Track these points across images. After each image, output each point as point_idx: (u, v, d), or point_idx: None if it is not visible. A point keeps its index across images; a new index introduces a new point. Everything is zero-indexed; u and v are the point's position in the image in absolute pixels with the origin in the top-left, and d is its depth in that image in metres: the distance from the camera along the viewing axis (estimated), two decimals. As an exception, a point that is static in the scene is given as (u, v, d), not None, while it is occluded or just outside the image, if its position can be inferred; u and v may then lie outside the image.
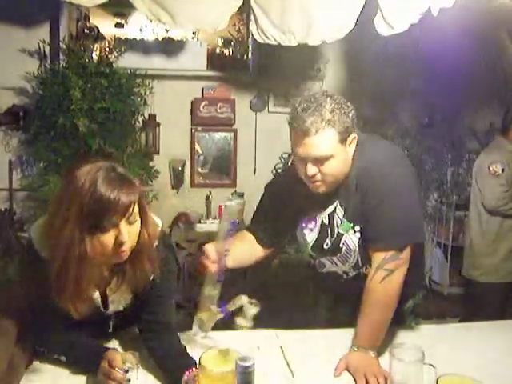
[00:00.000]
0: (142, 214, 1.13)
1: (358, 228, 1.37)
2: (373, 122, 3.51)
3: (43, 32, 3.07)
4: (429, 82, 3.36)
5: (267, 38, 2.16)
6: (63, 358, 1.24)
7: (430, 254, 3.73)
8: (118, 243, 1.07)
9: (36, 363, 1.25)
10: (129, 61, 3.08)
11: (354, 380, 1.20)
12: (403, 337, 1.41)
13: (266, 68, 3.29)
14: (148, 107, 3.02)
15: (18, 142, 3.13)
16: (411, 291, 1.49)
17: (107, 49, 3.04)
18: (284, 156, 3.45)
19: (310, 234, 1.46)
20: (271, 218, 1.52)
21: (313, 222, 1.45)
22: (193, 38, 3.28)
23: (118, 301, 1.27)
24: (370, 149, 1.34)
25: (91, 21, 3.24)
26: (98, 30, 3.17)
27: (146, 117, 3.14)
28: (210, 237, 3.12)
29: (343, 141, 1.27)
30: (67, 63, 2.92)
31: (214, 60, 3.33)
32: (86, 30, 3.08)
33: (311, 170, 1.27)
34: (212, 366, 0.98)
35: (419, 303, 1.55)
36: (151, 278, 1.22)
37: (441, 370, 1.03)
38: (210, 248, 1.31)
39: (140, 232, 1.13)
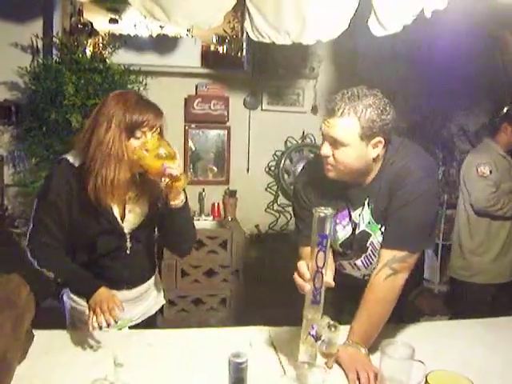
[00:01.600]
0: (161, 135, 1.43)
1: (384, 229, 1.40)
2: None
3: (36, 27, 3.05)
4: (421, 82, 3.38)
5: (262, 36, 2.17)
6: (51, 274, 1.41)
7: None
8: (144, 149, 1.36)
9: (29, 359, 1.26)
10: (123, 57, 3.07)
11: (346, 375, 1.22)
12: (393, 334, 1.44)
13: (260, 66, 3.30)
14: (141, 103, 3.01)
15: (9, 138, 3.11)
16: (410, 288, 1.50)
17: (101, 44, 3.03)
18: (277, 153, 3.46)
19: (343, 230, 1.46)
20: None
21: (346, 219, 1.45)
22: (187, 34, 3.26)
23: (135, 215, 1.49)
24: (404, 155, 1.38)
25: (85, 16, 3.22)
26: (92, 26, 3.15)
27: (140, 113, 3.13)
28: (203, 234, 3.12)
29: (365, 138, 1.28)
30: (60, 58, 2.91)
31: (208, 57, 3.33)
32: (79, 26, 3.06)
33: (325, 149, 1.31)
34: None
35: (422, 294, 1.58)
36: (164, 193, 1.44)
37: (429, 366, 1.05)
38: (303, 265, 1.19)
39: None
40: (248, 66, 3.31)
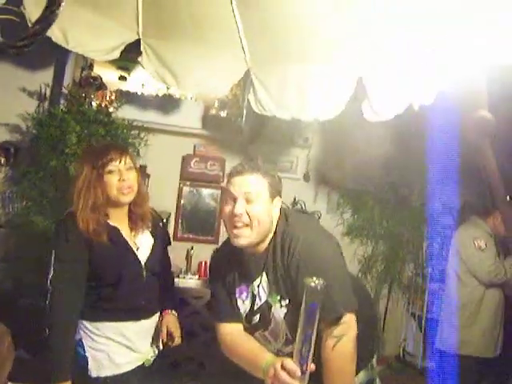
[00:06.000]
0: (138, 172, 1.71)
1: (284, 303, 1.41)
2: (354, 192, 3.64)
3: (47, 75, 3.16)
4: (407, 157, 3.51)
5: (264, 109, 2.30)
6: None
7: (405, 325, 3.75)
8: (122, 181, 1.63)
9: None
10: (127, 112, 3.18)
11: None
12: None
13: (257, 132, 3.43)
14: (140, 158, 3.09)
15: (3, 178, 3.13)
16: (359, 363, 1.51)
17: (108, 98, 3.15)
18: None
19: (243, 305, 1.49)
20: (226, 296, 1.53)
21: (244, 293, 1.48)
22: (191, 98, 3.41)
23: (145, 247, 1.73)
24: (297, 225, 1.43)
25: (95, 69, 3.35)
26: (102, 80, 3.28)
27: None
28: (188, 293, 3.07)
29: (271, 195, 1.40)
30: (67, 108, 3.01)
31: (209, 120, 3.44)
32: (89, 79, 3.18)
33: (240, 206, 1.36)
34: None
35: (374, 378, 1.58)
36: (158, 221, 1.81)
37: None
38: (290, 362, 1.18)
39: (139, 183, 1.70)
40: (246, 132, 3.43)
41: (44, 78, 3.14)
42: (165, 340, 1.70)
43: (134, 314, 1.69)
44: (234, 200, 1.37)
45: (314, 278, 1.17)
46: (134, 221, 1.74)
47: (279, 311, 1.41)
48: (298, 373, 1.16)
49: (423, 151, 3.39)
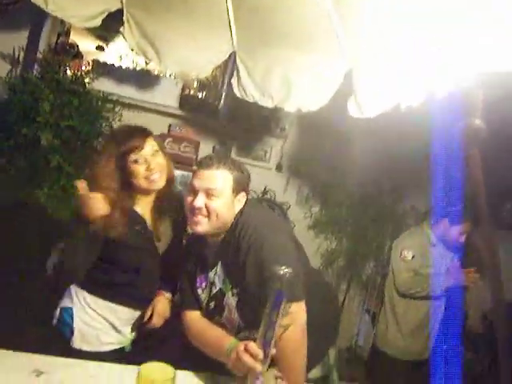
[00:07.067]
0: (165, 153, 1.65)
1: (235, 291, 1.44)
2: (324, 187, 3.69)
3: (21, 38, 3.03)
4: (385, 158, 3.52)
5: (246, 95, 2.28)
6: None
7: (359, 320, 3.85)
8: (149, 170, 1.56)
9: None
10: (103, 84, 3.10)
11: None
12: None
13: (234, 117, 3.40)
14: (114, 133, 3.01)
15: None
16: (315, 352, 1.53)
17: (84, 68, 3.05)
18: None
19: (202, 294, 1.53)
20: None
21: (204, 283, 1.53)
22: (170, 75, 3.34)
23: (166, 237, 1.67)
24: (251, 214, 1.46)
25: (72, 37, 3.24)
26: (78, 48, 3.18)
27: (109, 142, 3.11)
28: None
29: (235, 191, 1.43)
30: (40, 74, 2.89)
31: (187, 100, 3.39)
32: (66, 46, 3.07)
33: (199, 200, 1.39)
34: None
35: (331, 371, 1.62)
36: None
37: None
38: (253, 346, 1.21)
39: (168, 168, 1.64)
40: (223, 116, 3.41)
41: (18, 40, 3.01)
42: (145, 320, 1.66)
43: (138, 303, 1.66)
44: (195, 193, 1.40)
45: (283, 267, 1.19)
46: (159, 204, 1.67)
47: (231, 299, 1.45)
48: (261, 356, 1.19)
49: (401, 153, 3.43)
